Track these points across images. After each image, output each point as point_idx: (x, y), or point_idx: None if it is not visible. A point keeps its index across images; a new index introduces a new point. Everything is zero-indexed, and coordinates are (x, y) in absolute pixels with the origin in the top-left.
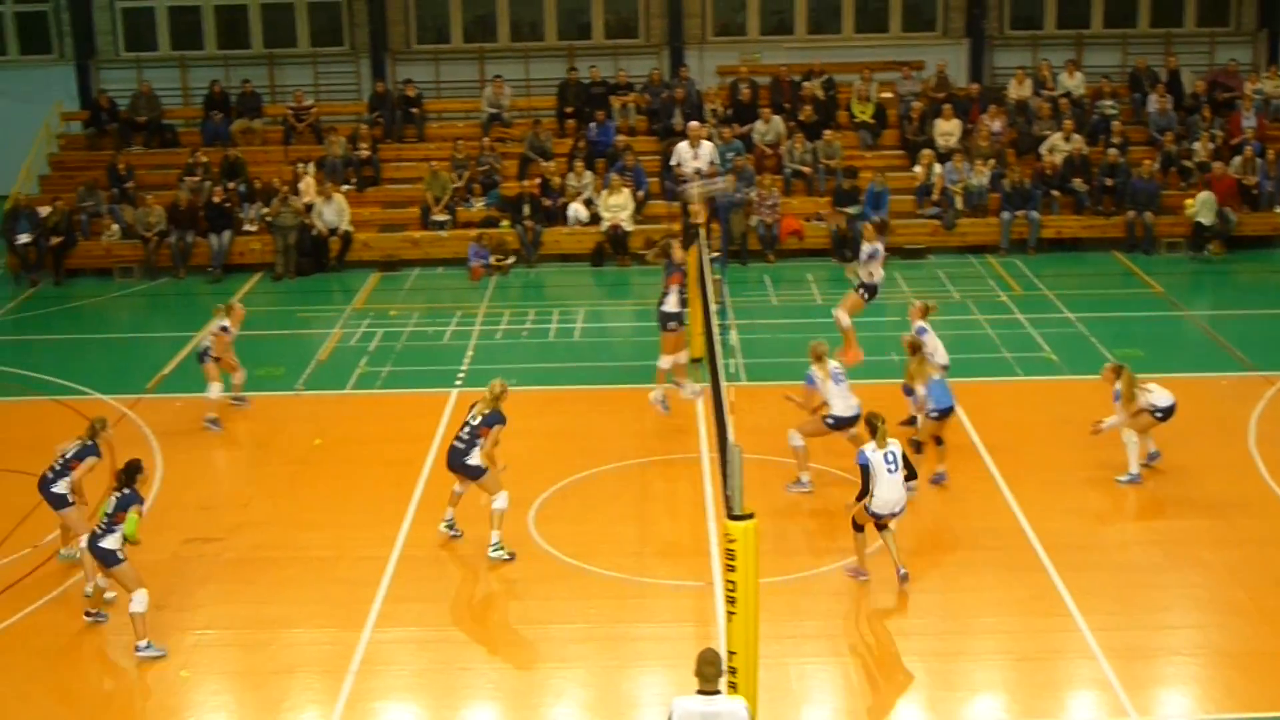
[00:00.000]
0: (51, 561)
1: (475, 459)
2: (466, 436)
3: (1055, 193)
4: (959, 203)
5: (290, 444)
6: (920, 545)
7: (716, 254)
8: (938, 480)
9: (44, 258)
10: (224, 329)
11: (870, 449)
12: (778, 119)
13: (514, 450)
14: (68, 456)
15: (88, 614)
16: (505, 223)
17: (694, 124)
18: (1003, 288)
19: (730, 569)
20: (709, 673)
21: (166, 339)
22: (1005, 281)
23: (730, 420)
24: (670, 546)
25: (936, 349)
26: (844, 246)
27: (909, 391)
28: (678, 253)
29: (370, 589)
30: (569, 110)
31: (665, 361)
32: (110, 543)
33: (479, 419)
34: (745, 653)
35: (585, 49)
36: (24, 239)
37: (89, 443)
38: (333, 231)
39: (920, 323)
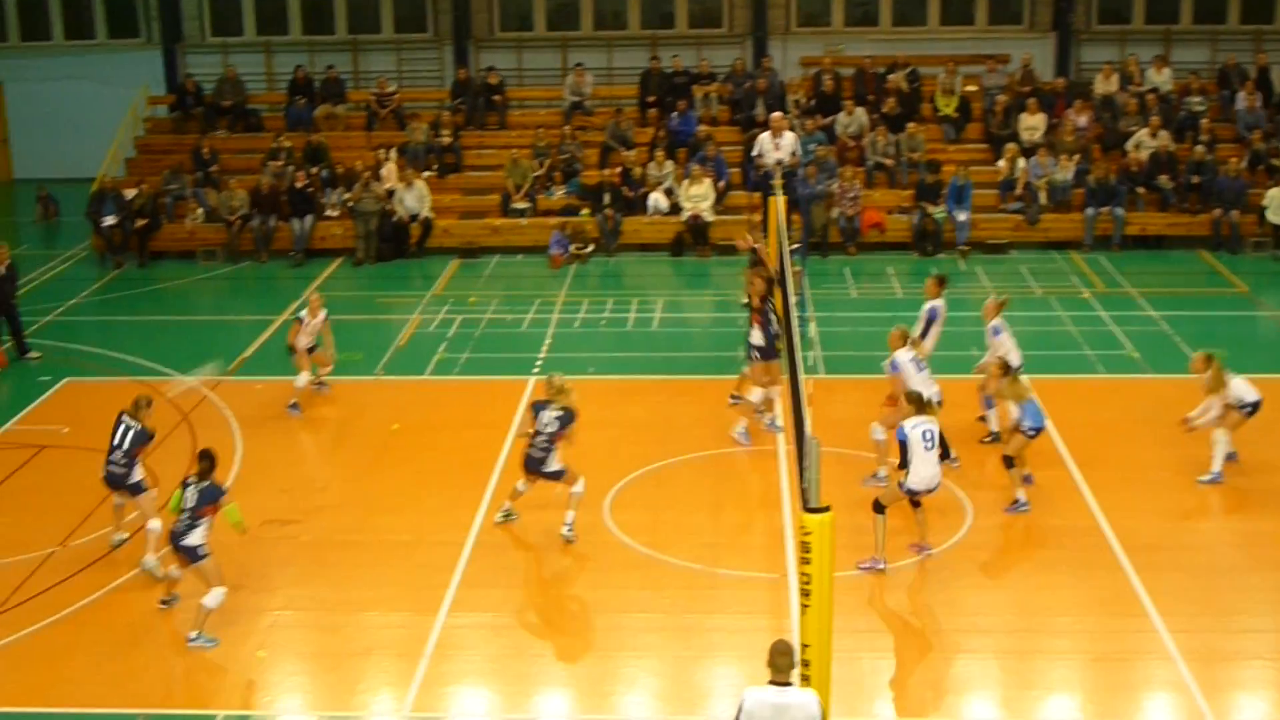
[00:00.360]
0: (132, 540)
1: (555, 464)
2: (544, 444)
3: (1140, 189)
4: (1043, 198)
5: (369, 429)
6: (997, 542)
7: (797, 245)
8: (1027, 480)
9: (129, 240)
10: (299, 320)
11: (910, 425)
12: (860, 111)
13: (590, 440)
14: (126, 448)
15: (163, 602)
16: (585, 211)
17: (776, 115)
18: (1085, 284)
19: (805, 561)
20: (782, 664)
21: (248, 322)
22: (1088, 278)
23: (808, 413)
24: (745, 538)
25: (1010, 348)
26: (926, 240)
27: (989, 404)
28: (756, 285)
29: (446, 574)
30: (651, 99)
31: (755, 394)
32: (194, 539)
33: (553, 424)
34: (819, 646)
35: (668, 38)
36: (109, 221)
37: (138, 427)
38: (413, 218)
39: (995, 321)
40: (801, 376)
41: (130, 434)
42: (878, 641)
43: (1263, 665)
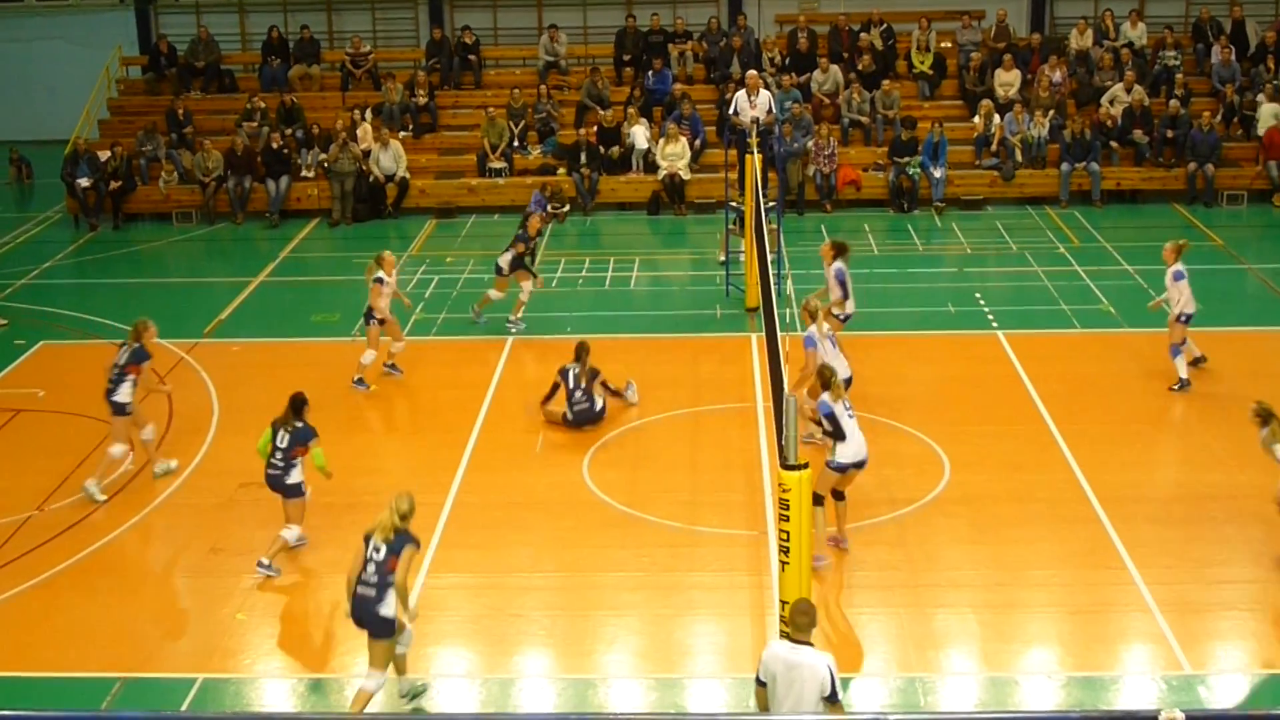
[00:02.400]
0: (110, 503)
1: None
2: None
3: (1115, 144)
4: (1018, 154)
5: (346, 390)
6: (974, 496)
7: (773, 203)
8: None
9: (103, 202)
10: (379, 281)
11: (827, 398)
12: (836, 68)
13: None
14: (121, 364)
15: (260, 564)
16: (562, 171)
17: (751, 73)
18: (1061, 240)
19: (784, 518)
20: (801, 622)
21: (224, 284)
22: (1064, 233)
23: (786, 370)
24: (724, 496)
25: (1185, 296)
26: (901, 197)
27: (1176, 352)
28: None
29: (424, 535)
30: (627, 58)
31: None
32: (294, 477)
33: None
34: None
35: None
36: (84, 183)
37: (135, 345)
38: (389, 178)
39: (1176, 266)
40: (779, 334)
41: (127, 352)
42: (856, 597)
43: (1239, 616)
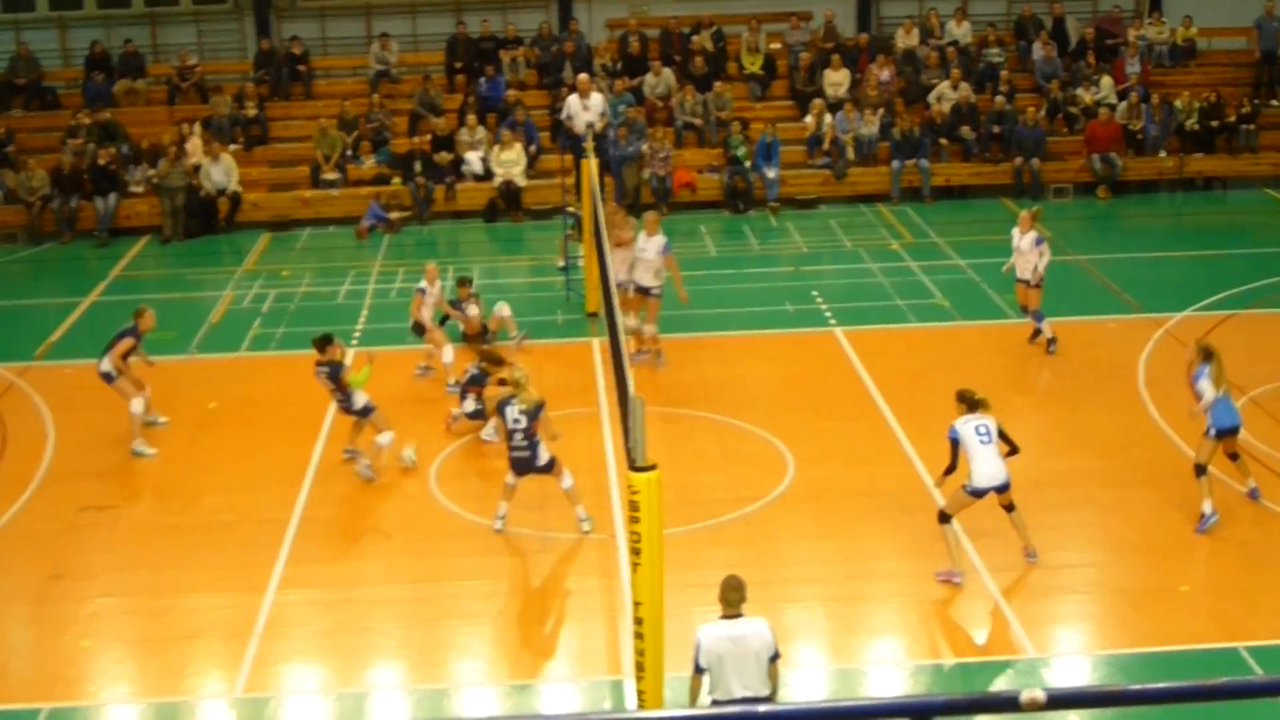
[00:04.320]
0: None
1: (544, 457)
2: (523, 442)
3: (944, 141)
4: (850, 152)
5: (185, 408)
6: (818, 492)
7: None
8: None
9: None
10: (421, 291)
11: (960, 422)
12: (668, 71)
13: (412, 412)
14: (110, 342)
15: (346, 451)
16: (396, 180)
17: (582, 76)
18: (894, 236)
19: (634, 520)
20: (733, 598)
21: (53, 305)
22: (896, 230)
23: (630, 373)
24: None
25: (1045, 259)
26: (736, 198)
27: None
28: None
29: (272, 551)
30: (458, 65)
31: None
32: (359, 401)
33: (522, 420)
34: (650, 603)
35: (473, 3)
36: None
37: (129, 325)
38: (221, 192)
39: (1031, 233)
40: (623, 337)
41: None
42: (708, 595)
43: (1078, 599)
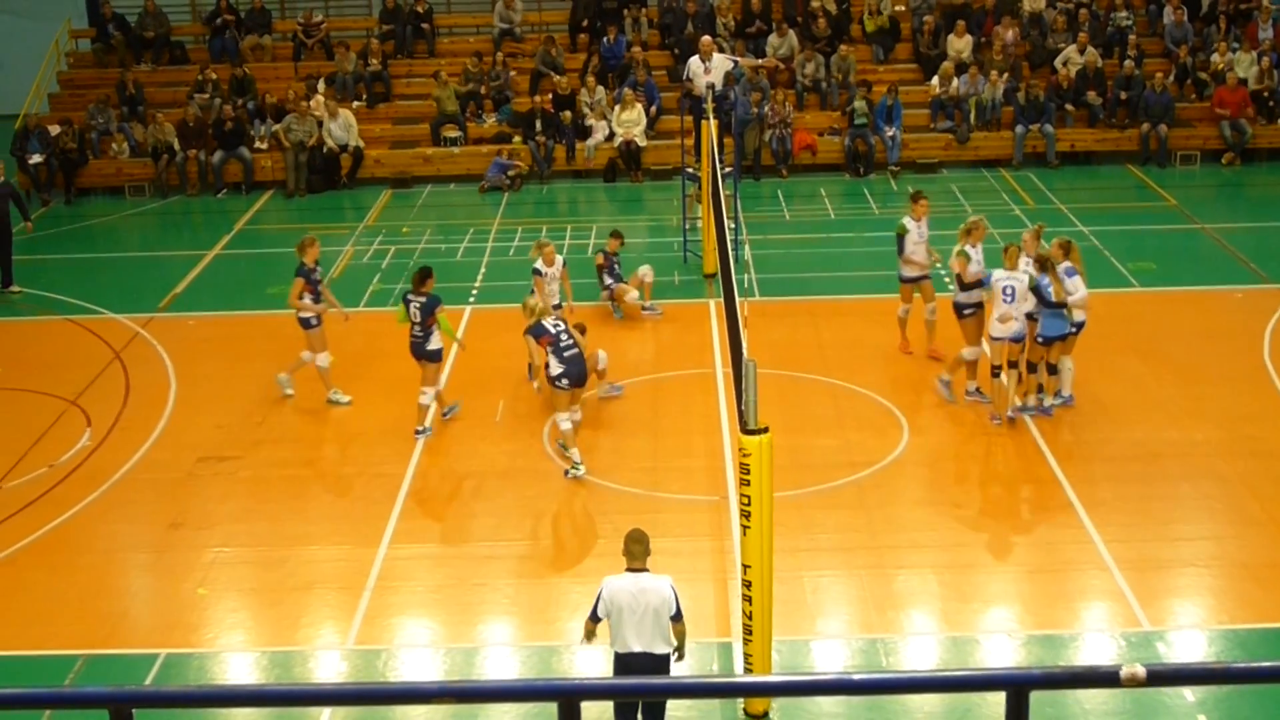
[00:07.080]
0: (68, 480)
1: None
2: (570, 346)
3: (1069, 106)
4: (973, 117)
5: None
6: (933, 459)
7: (729, 169)
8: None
9: (55, 176)
10: (536, 273)
11: (998, 276)
12: (791, 33)
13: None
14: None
15: (418, 431)
16: (517, 139)
17: (705, 38)
18: (1016, 201)
19: (745, 483)
20: (636, 550)
21: (178, 257)
22: (1019, 195)
23: (744, 335)
24: (685, 461)
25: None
26: (857, 161)
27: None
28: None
29: (386, 505)
30: (582, 25)
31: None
32: (434, 344)
33: (562, 328)
34: (760, 566)
35: None
36: (35, 158)
37: (299, 264)
38: (343, 148)
39: (1066, 263)
40: (737, 299)
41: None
42: (818, 560)
43: (1196, 572)
